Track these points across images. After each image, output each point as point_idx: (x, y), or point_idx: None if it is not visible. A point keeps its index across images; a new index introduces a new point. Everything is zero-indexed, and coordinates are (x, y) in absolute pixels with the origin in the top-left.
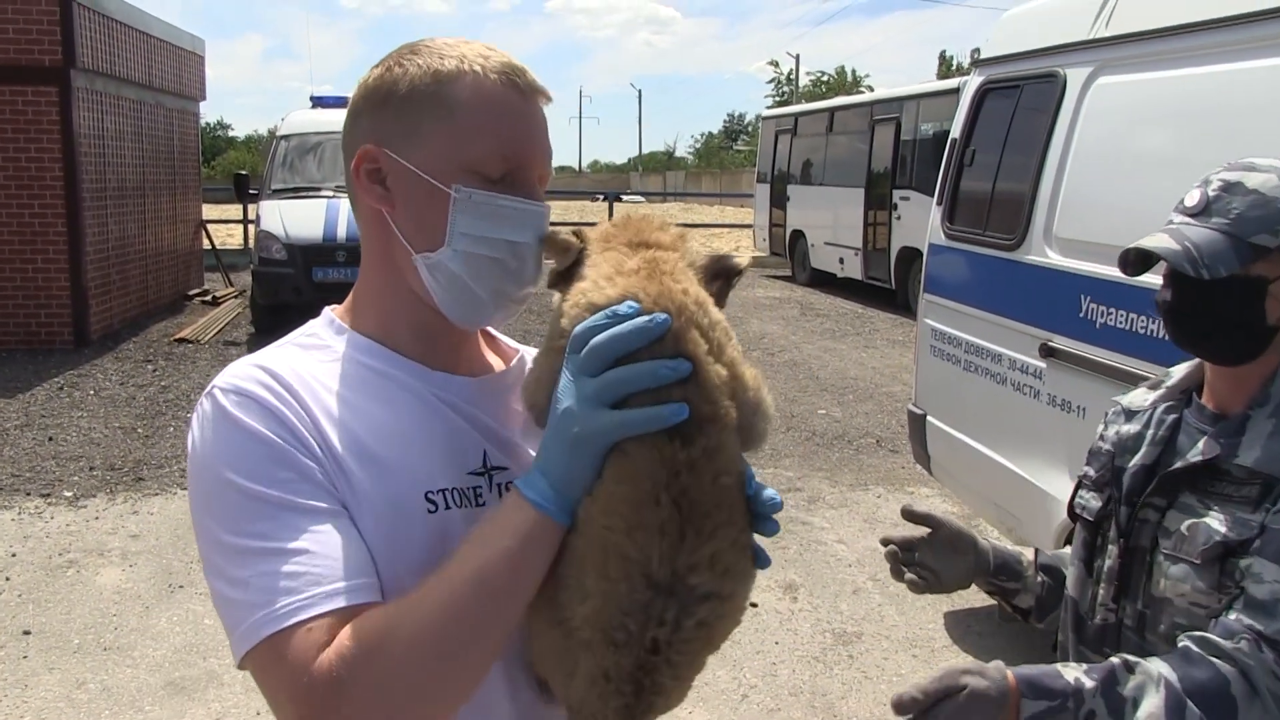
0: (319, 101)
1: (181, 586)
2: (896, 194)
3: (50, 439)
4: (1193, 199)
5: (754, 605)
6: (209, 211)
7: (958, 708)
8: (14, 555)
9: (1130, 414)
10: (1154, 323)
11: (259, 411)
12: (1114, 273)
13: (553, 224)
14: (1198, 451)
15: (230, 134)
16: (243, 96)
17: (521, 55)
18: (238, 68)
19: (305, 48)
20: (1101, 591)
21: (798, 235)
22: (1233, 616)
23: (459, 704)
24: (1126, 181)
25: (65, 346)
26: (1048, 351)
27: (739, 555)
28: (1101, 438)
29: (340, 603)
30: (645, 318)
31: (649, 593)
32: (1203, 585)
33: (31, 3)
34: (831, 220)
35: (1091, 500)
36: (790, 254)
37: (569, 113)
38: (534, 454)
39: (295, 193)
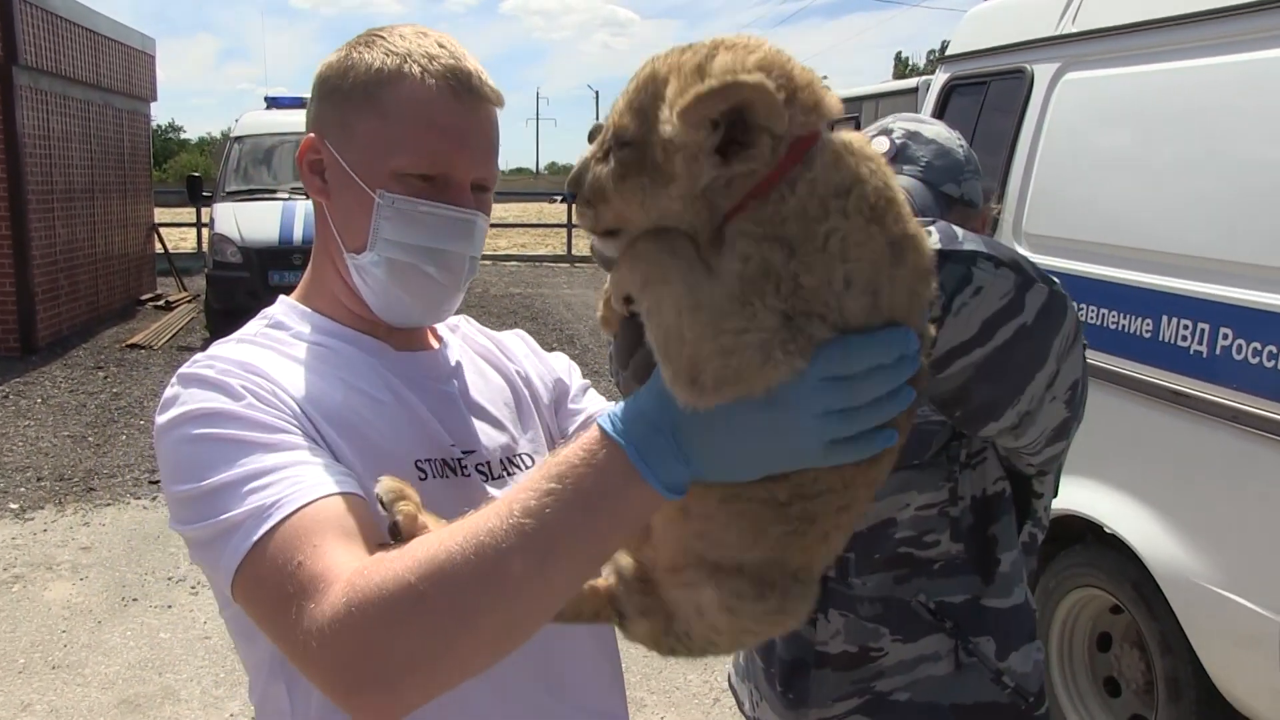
0: (274, 103)
1: (135, 599)
2: None
3: None
4: (883, 145)
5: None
6: (161, 215)
7: None
8: None
9: None
10: (1125, 318)
11: (232, 385)
12: (1085, 268)
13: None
14: None
15: (183, 136)
16: (195, 98)
17: (477, 57)
18: (190, 69)
19: (258, 49)
20: None
21: None
22: None
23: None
24: (1094, 177)
25: (11, 354)
26: None
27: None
28: None
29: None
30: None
31: None
32: (930, 479)
33: None
34: None
35: None
36: None
37: (526, 114)
38: (499, 418)
39: (250, 195)
